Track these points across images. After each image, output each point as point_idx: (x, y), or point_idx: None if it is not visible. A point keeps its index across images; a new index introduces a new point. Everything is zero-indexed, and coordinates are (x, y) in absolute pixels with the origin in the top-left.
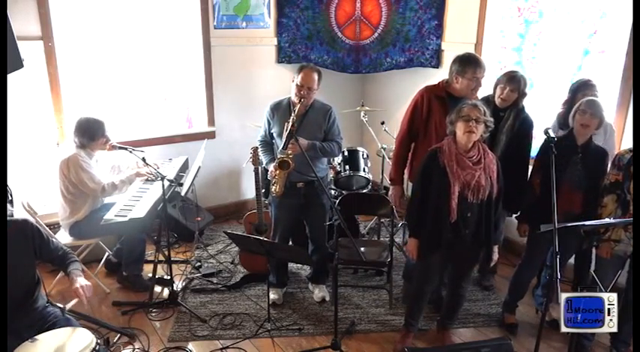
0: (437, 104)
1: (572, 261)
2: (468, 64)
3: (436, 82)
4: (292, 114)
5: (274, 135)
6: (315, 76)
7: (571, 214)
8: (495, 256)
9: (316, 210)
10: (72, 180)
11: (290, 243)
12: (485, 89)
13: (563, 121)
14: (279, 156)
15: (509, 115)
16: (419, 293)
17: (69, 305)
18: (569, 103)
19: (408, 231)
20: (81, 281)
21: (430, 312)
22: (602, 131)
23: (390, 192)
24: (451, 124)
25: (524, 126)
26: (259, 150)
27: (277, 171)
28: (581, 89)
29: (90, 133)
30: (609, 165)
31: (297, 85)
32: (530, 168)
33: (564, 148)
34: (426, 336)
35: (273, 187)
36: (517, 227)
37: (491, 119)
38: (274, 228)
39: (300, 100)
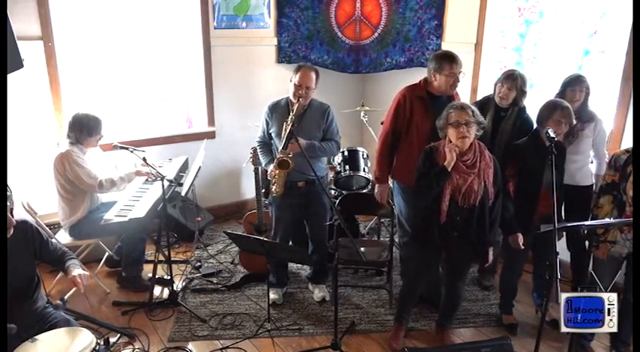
0: (418, 104)
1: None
2: (444, 60)
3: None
4: (291, 114)
5: (272, 135)
6: (313, 76)
7: (548, 216)
8: (490, 257)
9: (317, 209)
10: (68, 176)
11: (290, 243)
12: (486, 90)
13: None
14: (278, 156)
15: (510, 115)
16: (409, 290)
17: (67, 295)
18: (559, 97)
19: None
20: (78, 271)
21: (429, 312)
22: (593, 126)
23: (375, 190)
24: (441, 131)
25: (524, 128)
26: (258, 150)
27: (277, 171)
28: (572, 84)
29: (88, 129)
30: (605, 166)
31: (295, 84)
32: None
33: (538, 150)
34: (426, 336)
35: (273, 187)
36: (510, 240)
37: (482, 117)
38: (275, 227)
39: (297, 100)
